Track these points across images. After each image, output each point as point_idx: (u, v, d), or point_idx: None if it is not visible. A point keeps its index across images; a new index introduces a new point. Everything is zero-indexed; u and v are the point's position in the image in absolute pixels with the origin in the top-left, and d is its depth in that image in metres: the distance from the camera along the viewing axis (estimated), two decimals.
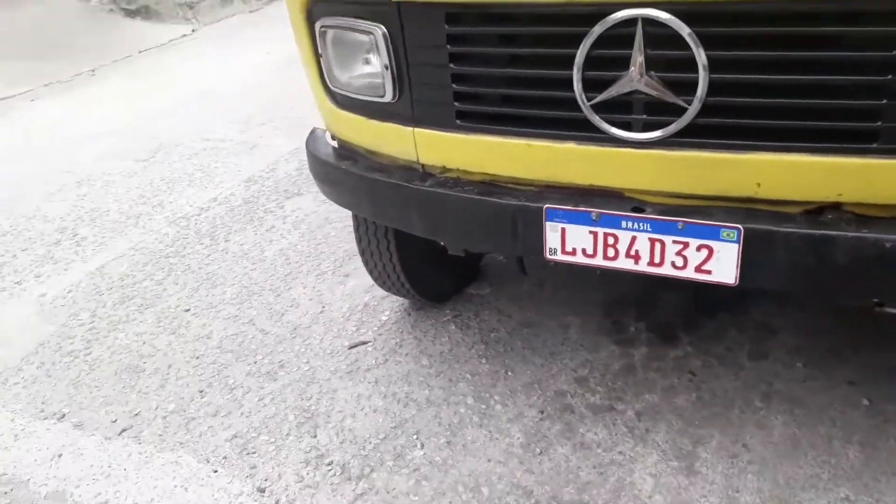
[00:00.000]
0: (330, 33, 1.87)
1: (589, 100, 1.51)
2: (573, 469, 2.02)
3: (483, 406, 2.28)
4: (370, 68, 1.84)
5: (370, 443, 2.20)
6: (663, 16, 1.37)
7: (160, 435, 2.32)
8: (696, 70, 1.39)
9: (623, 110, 1.51)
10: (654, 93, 1.46)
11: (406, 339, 2.63)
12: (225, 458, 2.20)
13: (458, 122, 1.74)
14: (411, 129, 1.82)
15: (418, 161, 1.88)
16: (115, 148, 4.79)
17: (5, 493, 2.13)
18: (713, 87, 1.41)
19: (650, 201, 1.60)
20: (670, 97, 1.45)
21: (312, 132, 2.31)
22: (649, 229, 1.58)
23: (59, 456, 2.25)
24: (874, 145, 1.36)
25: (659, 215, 1.56)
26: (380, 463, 2.13)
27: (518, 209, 1.70)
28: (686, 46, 1.38)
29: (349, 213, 3.47)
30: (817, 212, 1.47)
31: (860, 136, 1.37)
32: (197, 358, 2.68)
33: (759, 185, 1.48)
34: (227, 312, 2.93)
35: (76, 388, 2.55)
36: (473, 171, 1.80)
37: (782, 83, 1.38)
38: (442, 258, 2.62)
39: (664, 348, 2.41)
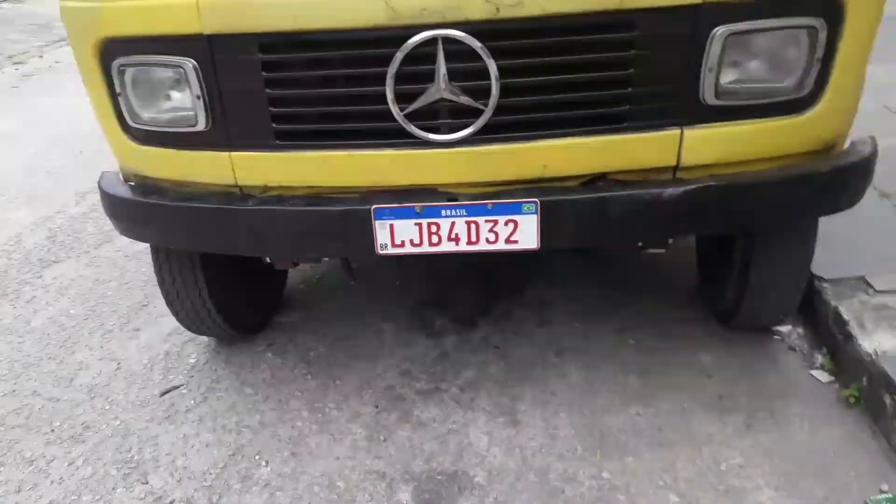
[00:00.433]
0: (129, 71, 1.87)
1: (402, 110, 1.73)
2: (417, 445, 2.18)
3: (319, 415, 2.34)
4: (178, 101, 1.88)
5: (210, 474, 2.14)
6: (459, 34, 1.64)
7: None
8: (489, 78, 1.68)
9: (431, 117, 1.75)
10: (456, 99, 1.71)
11: (222, 375, 2.58)
12: None
13: (276, 142, 1.85)
14: (227, 153, 1.88)
15: (236, 184, 1.93)
16: None
17: None
18: (503, 91, 1.70)
19: (462, 192, 1.85)
20: (470, 102, 1.72)
21: (103, 175, 2.21)
22: (465, 214, 1.83)
23: None
24: (625, 124, 1.77)
25: (471, 201, 1.82)
26: (227, 488, 2.08)
27: (347, 213, 1.85)
28: (480, 59, 1.67)
29: (123, 272, 3.36)
30: (591, 182, 1.85)
31: (614, 118, 1.77)
32: None
33: (545, 166, 1.81)
34: (2, 389, 2.60)
35: None
36: (296, 185, 1.91)
37: (556, 83, 1.72)
38: (250, 287, 2.66)
39: (468, 333, 2.69)
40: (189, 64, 1.78)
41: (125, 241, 3.70)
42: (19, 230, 3.97)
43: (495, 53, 1.66)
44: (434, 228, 1.85)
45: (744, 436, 2.13)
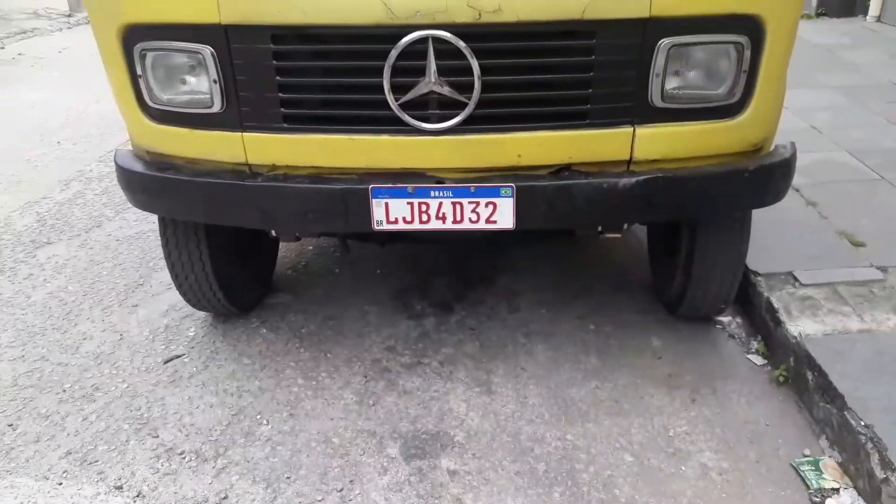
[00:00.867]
0: (150, 55, 2.09)
1: (396, 100, 1.99)
2: (402, 409, 2.45)
3: (313, 383, 2.59)
4: (195, 84, 2.11)
5: (216, 430, 2.37)
6: (447, 35, 1.92)
7: None
8: (472, 75, 1.97)
9: (422, 107, 2.01)
10: (444, 92, 1.99)
11: (221, 347, 2.81)
12: (65, 471, 2.19)
13: (284, 124, 2.10)
14: (240, 134, 2.12)
15: (247, 162, 2.17)
16: None
17: None
18: (485, 87, 1.98)
19: (447, 177, 2.14)
20: (456, 95, 1.99)
21: (117, 152, 2.42)
22: (451, 195, 2.11)
23: None
24: (587, 121, 2.08)
25: (456, 184, 2.11)
26: (232, 442, 2.31)
27: (347, 191, 2.11)
28: (465, 57, 1.95)
29: (117, 254, 3.54)
30: (558, 171, 2.15)
31: (577, 116, 2.07)
32: None
33: (520, 156, 2.10)
34: (10, 355, 2.78)
35: None
36: (301, 165, 2.16)
37: (529, 82, 2.02)
38: (246, 265, 2.90)
39: (446, 316, 2.97)
40: (207, 51, 2.01)
41: (115, 226, 3.89)
42: (7, 213, 4.10)
43: (478, 53, 1.93)
44: (424, 208, 2.12)
45: (689, 408, 2.45)
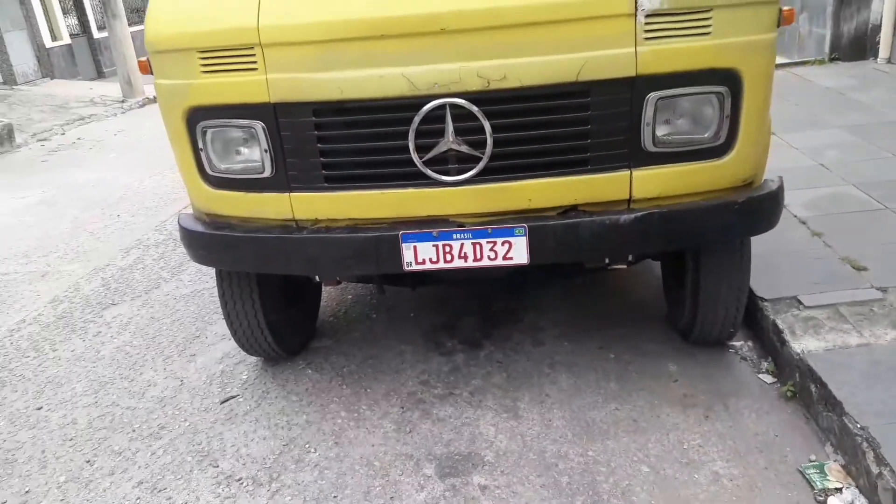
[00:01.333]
0: (210, 131, 2.46)
1: (420, 158, 2.32)
2: (437, 435, 2.68)
3: (355, 414, 2.84)
4: (248, 154, 2.46)
5: (269, 458, 2.63)
6: (461, 102, 2.25)
7: (61, 500, 2.47)
8: (484, 133, 2.28)
9: (443, 163, 2.33)
10: (461, 150, 2.31)
11: (271, 387, 3.08)
12: (138, 498, 2.46)
13: (325, 184, 2.43)
14: (287, 194, 2.46)
15: (293, 218, 2.50)
16: None
17: None
18: (496, 143, 2.29)
19: (467, 221, 2.42)
20: (472, 151, 2.31)
21: (180, 216, 2.78)
22: (471, 237, 2.40)
23: None
24: (588, 167, 2.36)
25: (475, 227, 2.39)
26: (283, 469, 2.56)
27: (380, 238, 2.42)
28: (477, 119, 2.26)
29: (174, 311, 3.88)
30: (565, 212, 2.42)
31: (579, 163, 2.35)
32: (70, 440, 2.83)
33: (530, 200, 2.38)
34: (85, 402, 3.10)
35: None
36: (340, 218, 2.48)
37: (535, 136, 2.31)
38: (294, 312, 3.20)
39: (475, 351, 3.21)
40: (259, 125, 2.36)
41: (172, 287, 4.25)
42: (76, 280, 4.51)
43: (489, 115, 2.24)
44: (447, 248, 2.40)
45: (703, 423, 2.63)
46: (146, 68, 2.56)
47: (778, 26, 2.31)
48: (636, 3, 2.14)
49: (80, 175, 7.42)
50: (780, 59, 8.04)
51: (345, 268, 2.59)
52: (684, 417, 2.67)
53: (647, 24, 2.16)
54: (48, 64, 14.34)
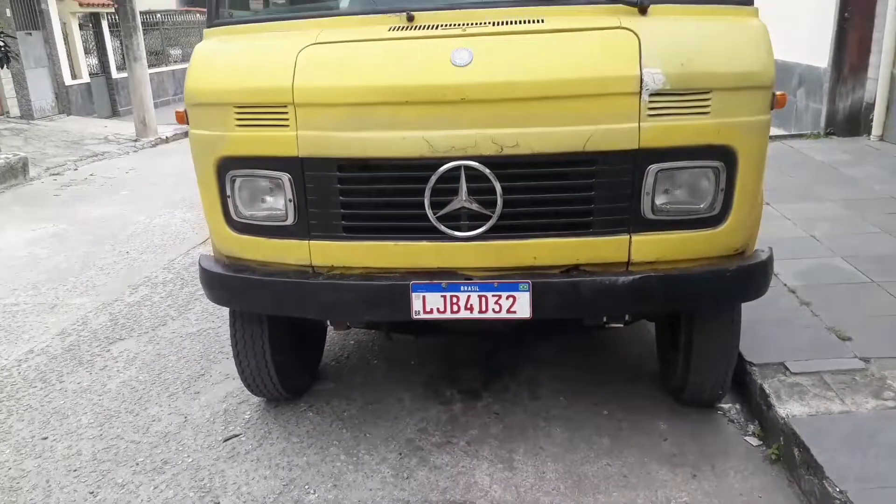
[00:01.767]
0: (239, 180, 2.62)
1: (435, 214, 2.47)
2: (433, 482, 2.76)
3: (354, 458, 2.92)
4: (273, 203, 2.62)
5: (269, 497, 2.70)
6: (475, 164, 2.41)
7: None
8: (495, 194, 2.44)
9: (455, 219, 2.48)
10: (473, 208, 2.47)
11: (273, 428, 3.17)
12: None
13: (344, 234, 2.57)
14: (307, 242, 2.60)
15: (311, 264, 2.64)
16: None
17: None
18: (506, 203, 2.45)
19: (475, 274, 2.56)
20: (483, 210, 2.46)
21: (201, 258, 2.91)
22: (477, 289, 2.53)
23: None
24: (591, 230, 2.51)
25: (482, 280, 2.53)
26: None
27: (392, 287, 2.55)
28: (489, 181, 2.43)
29: (180, 348, 3.98)
30: (567, 271, 2.56)
31: (583, 226, 2.51)
32: (74, 471, 2.90)
33: (535, 258, 2.53)
34: (90, 434, 3.17)
35: None
36: (355, 266, 2.62)
37: (542, 199, 2.47)
38: (299, 355, 3.30)
39: (473, 402, 3.31)
40: (286, 177, 2.52)
41: (179, 325, 4.35)
42: (84, 313, 4.62)
43: (500, 178, 2.41)
44: (455, 300, 2.53)
45: (690, 482, 2.71)
46: (183, 119, 2.74)
47: (771, 109, 2.50)
48: (641, 83, 2.32)
49: (92, 210, 7.58)
50: (776, 131, 8.34)
51: (356, 313, 2.72)
52: (672, 475, 2.76)
53: (650, 102, 2.34)
54: (66, 101, 14.70)
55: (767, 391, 2.89)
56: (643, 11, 2.46)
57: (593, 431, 3.05)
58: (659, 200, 2.46)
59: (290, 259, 2.66)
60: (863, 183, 6.08)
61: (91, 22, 15.39)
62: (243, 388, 3.31)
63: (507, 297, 2.52)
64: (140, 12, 12.46)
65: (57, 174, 9.85)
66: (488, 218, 2.46)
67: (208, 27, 2.84)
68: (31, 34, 14.07)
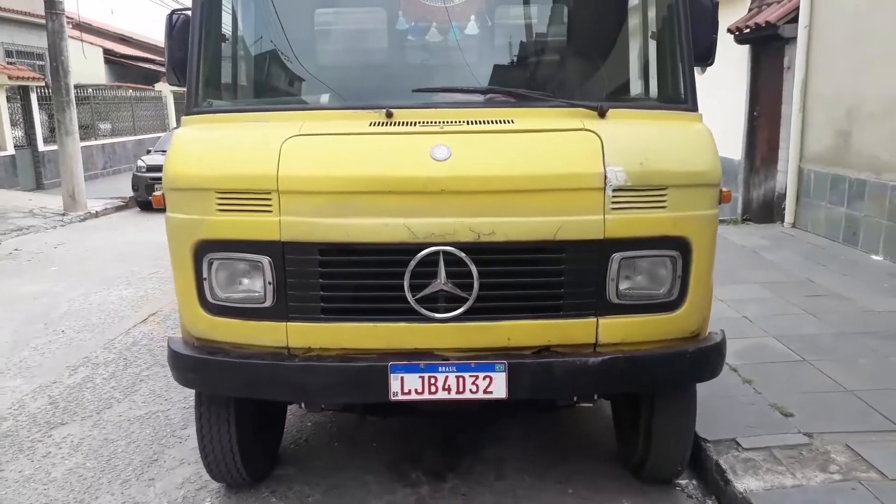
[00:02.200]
0: (216, 263, 2.65)
1: (413, 297, 2.57)
2: None
3: None
4: (250, 285, 2.65)
5: None
6: (453, 249, 2.54)
7: None
8: (472, 278, 2.57)
9: (433, 301, 2.58)
10: (451, 290, 2.57)
11: None
12: None
13: (322, 315, 2.62)
14: (284, 324, 2.63)
15: (287, 346, 2.66)
16: None
17: None
18: (482, 287, 2.57)
19: (451, 355, 2.64)
20: (459, 293, 2.58)
21: (170, 340, 2.87)
22: (455, 370, 2.61)
23: None
24: (560, 313, 2.65)
25: (458, 361, 2.61)
26: None
27: (370, 368, 2.60)
28: (466, 265, 2.55)
29: (129, 433, 3.85)
30: (539, 352, 2.68)
31: (553, 309, 2.65)
32: None
33: (509, 339, 2.64)
34: None
35: None
36: (332, 347, 2.66)
37: (515, 283, 2.61)
38: (263, 439, 3.25)
39: (439, 483, 3.31)
40: (266, 260, 2.57)
41: (125, 407, 4.21)
42: (20, 396, 4.40)
43: (477, 263, 2.53)
44: (433, 381, 2.60)
45: None
46: (160, 202, 2.76)
47: (719, 203, 2.76)
48: (605, 179, 2.54)
49: (19, 287, 7.27)
50: None
51: (333, 395, 2.73)
52: None
53: (613, 197, 2.55)
54: None
55: (723, 466, 3.05)
56: (602, 115, 2.70)
57: None
58: (622, 286, 2.63)
59: (265, 341, 2.67)
60: (782, 266, 6.55)
61: (20, 94, 15.06)
62: (201, 474, 3.22)
63: (484, 378, 2.61)
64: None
65: None
66: (465, 300, 2.56)
67: (187, 114, 2.91)
68: None
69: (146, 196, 12.78)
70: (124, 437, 3.81)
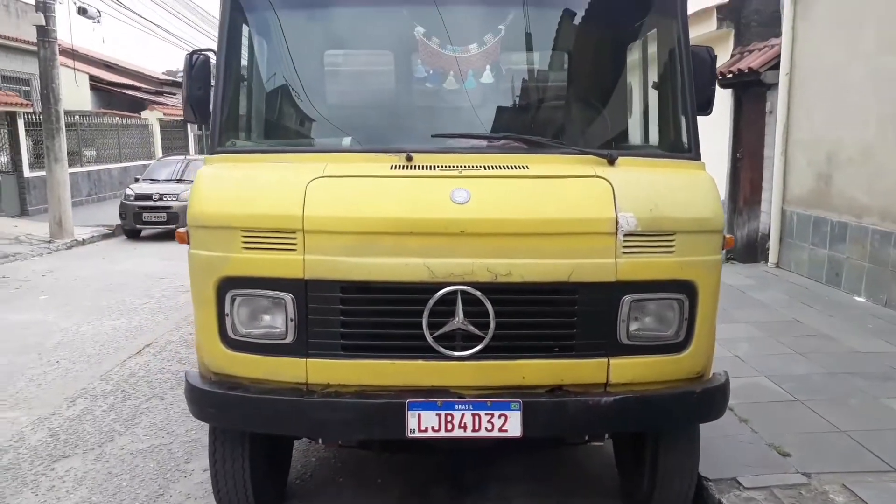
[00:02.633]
0: (239, 299, 2.71)
1: (431, 334, 2.65)
2: None
3: None
4: (272, 321, 2.71)
5: None
6: (470, 289, 2.63)
7: None
8: (489, 317, 2.65)
9: (450, 339, 2.66)
10: (468, 329, 2.66)
11: None
12: None
13: (341, 352, 2.69)
14: (304, 360, 2.69)
15: (306, 382, 2.71)
16: None
17: None
18: (498, 326, 2.66)
19: (467, 393, 2.71)
20: (476, 331, 2.66)
21: (188, 374, 2.91)
22: (471, 408, 2.68)
23: None
24: (573, 353, 2.74)
25: (475, 399, 2.68)
26: None
27: (388, 405, 2.66)
28: (483, 305, 2.64)
29: (133, 467, 3.85)
30: (552, 390, 2.76)
31: (566, 349, 2.74)
32: None
33: (523, 378, 2.72)
34: None
35: None
36: (350, 384, 2.71)
37: (530, 323, 2.70)
38: (273, 473, 3.28)
39: None
40: (288, 297, 2.64)
41: (127, 440, 4.20)
42: (20, 429, 4.37)
43: (494, 302, 2.62)
44: (450, 418, 2.66)
45: None
46: (183, 238, 2.83)
47: (723, 249, 2.88)
48: (617, 225, 2.65)
49: (11, 316, 7.21)
50: None
51: (351, 432, 2.78)
52: None
53: (625, 241, 2.66)
54: None
55: None
56: (612, 163, 2.83)
57: None
58: (632, 327, 2.73)
59: (284, 377, 2.72)
60: (769, 306, 6.72)
61: (6, 121, 15.01)
62: None
63: (500, 416, 2.68)
64: None
65: None
66: (481, 339, 2.64)
67: (211, 153, 3.00)
68: None
69: (133, 224, 12.78)
70: (128, 471, 3.81)
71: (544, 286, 2.67)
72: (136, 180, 14.16)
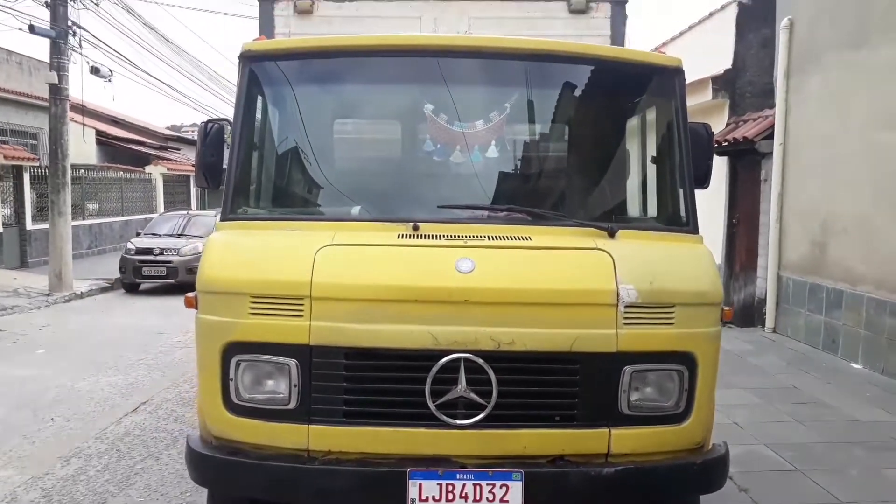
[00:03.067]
0: (243, 364, 2.74)
1: (434, 402, 2.67)
2: None
3: None
4: (275, 386, 2.73)
5: None
6: (474, 357, 2.67)
7: None
8: (491, 385, 2.68)
9: (452, 407, 2.68)
10: (470, 397, 2.68)
11: None
12: None
13: (344, 419, 2.70)
14: (306, 426, 2.70)
15: (307, 448, 2.72)
16: None
17: None
18: (500, 395, 2.68)
19: (468, 462, 2.72)
20: (479, 400, 2.68)
21: (189, 437, 2.92)
22: (472, 478, 2.68)
23: None
24: (575, 423, 2.76)
25: (476, 469, 2.69)
26: None
27: (389, 473, 2.66)
28: (486, 373, 2.67)
29: None
30: (554, 461, 2.77)
31: (568, 418, 2.76)
32: None
33: (525, 447, 2.73)
34: None
35: None
36: (352, 451, 2.72)
37: (532, 392, 2.73)
38: None
39: None
40: (293, 363, 2.67)
41: (121, 502, 4.15)
42: (12, 488, 4.31)
43: (496, 371, 2.65)
44: (451, 488, 2.66)
45: None
46: (192, 304, 2.88)
47: (721, 321, 2.94)
48: (618, 296, 2.71)
49: (7, 370, 7.17)
50: None
51: (352, 500, 2.76)
52: None
53: (625, 313, 2.72)
54: None
55: None
56: (612, 235, 2.92)
57: None
58: (633, 398, 2.76)
59: (286, 442, 2.72)
60: (767, 372, 6.74)
61: (13, 174, 15.22)
62: None
63: (501, 486, 2.68)
64: None
65: None
66: (483, 407, 2.66)
67: (222, 220, 3.08)
68: None
69: (132, 278, 12.81)
70: None
71: (547, 355, 2.71)
72: (138, 234, 14.28)
